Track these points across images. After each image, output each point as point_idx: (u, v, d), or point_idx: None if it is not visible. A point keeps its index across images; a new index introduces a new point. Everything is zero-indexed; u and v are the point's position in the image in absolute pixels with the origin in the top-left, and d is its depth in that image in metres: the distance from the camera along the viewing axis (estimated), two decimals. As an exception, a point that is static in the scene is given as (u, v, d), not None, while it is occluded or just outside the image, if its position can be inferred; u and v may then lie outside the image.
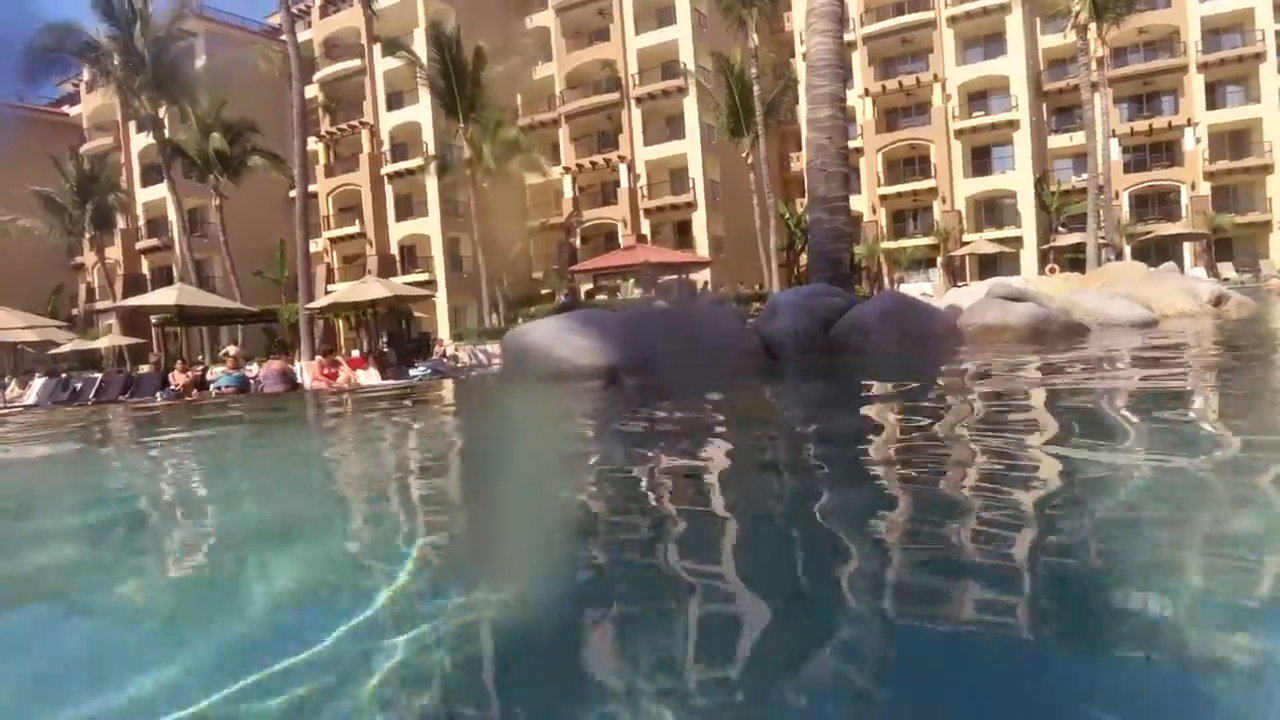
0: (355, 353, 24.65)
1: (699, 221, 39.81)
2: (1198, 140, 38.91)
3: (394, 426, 5.83)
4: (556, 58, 42.52)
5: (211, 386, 17.05)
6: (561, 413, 5.19)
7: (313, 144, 42.40)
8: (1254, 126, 38.66)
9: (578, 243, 41.00)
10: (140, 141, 42.21)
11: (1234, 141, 39.23)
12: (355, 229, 40.75)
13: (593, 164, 41.61)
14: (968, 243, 38.03)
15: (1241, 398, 3.96)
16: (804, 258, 40.71)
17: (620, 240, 39.08)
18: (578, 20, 42.75)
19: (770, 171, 34.57)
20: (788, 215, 38.06)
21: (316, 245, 41.57)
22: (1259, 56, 38.17)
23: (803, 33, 43.35)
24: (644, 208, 40.68)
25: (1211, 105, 39.19)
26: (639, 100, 40.91)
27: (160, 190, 37.55)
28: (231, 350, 23.66)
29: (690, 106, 39.35)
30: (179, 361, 21.24)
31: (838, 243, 9.95)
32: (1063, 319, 7.29)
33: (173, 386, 17.99)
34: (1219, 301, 9.63)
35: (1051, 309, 7.41)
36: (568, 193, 41.98)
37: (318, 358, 20.55)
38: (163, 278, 38.64)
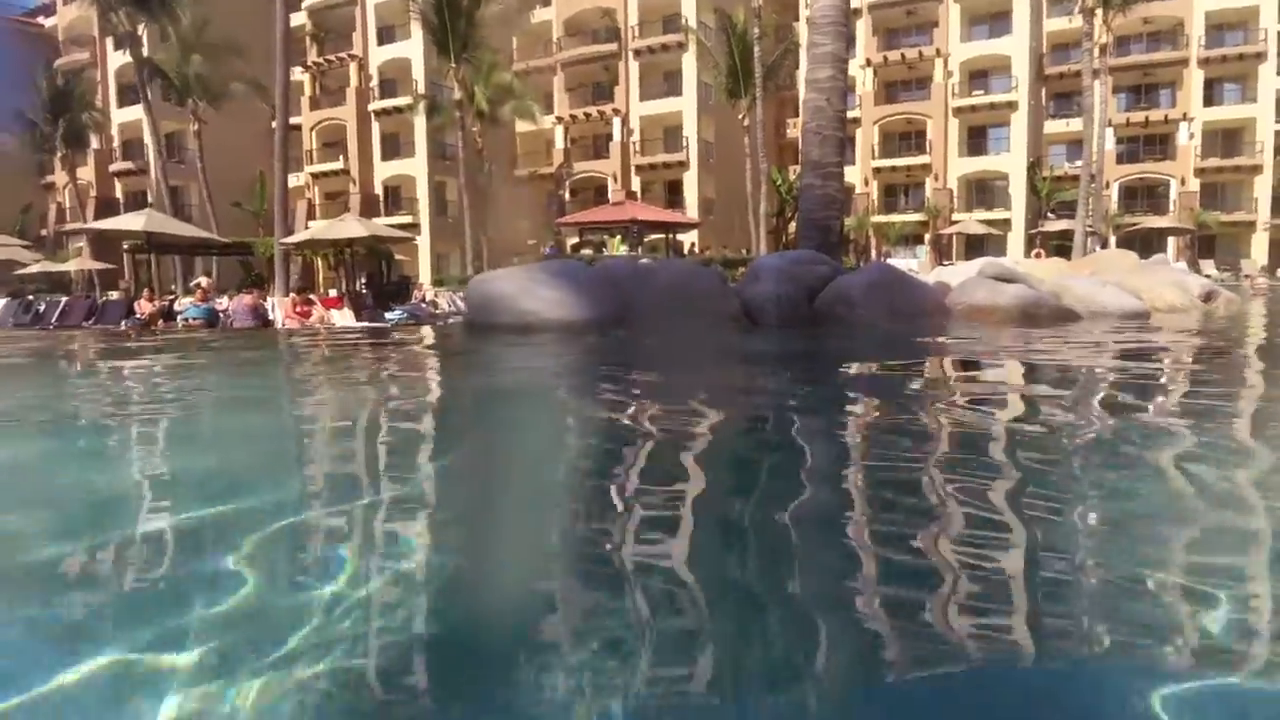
0: (333, 292, 24.16)
1: (690, 181, 39.20)
2: (1192, 136, 38.80)
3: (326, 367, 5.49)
4: (555, 3, 41.32)
5: (179, 318, 16.72)
6: (495, 364, 4.88)
7: (298, 74, 41.11)
8: (1248, 126, 38.55)
9: (566, 195, 40.28)
10: (118, 59, 40.59)
11: (1227, 140, 39.13)
12: (339, 165, 39.72)
13: (586, 115, 40.73)
14: (957, 221, 37.77)
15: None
16: (794, 225, 40.34)
17: (610, 195, 38.38)
18: (579, -34, 41.48)
19: (765, 136, 33.95)
20: (780, 182, 37.52)
21: (298, 180, 40.51)
22: (1260, 56, 37.92)
23: (808, -4, 42.20)
24: (635, 164, 39.97)
25: (1209, 101, 39.04)
26: (637, 53, 39.93)
27: (137, 111, 36.19)
28: (203, 282, 23.16)
29: (689, 63, 38.47)
30: (146, 290, 20.83)
31: (828, 210, 9.61)
32: (1053, 303, 7.03)
33: (138, 315, 17.65)
34: (1209, 297, 9.43)
35: (1042, 292, 7.14)
36: (559, 143, 41.12)
37: (291, 295, 20.19)
38: (136, 202, 37.49)
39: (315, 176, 40.72)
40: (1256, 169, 38.04)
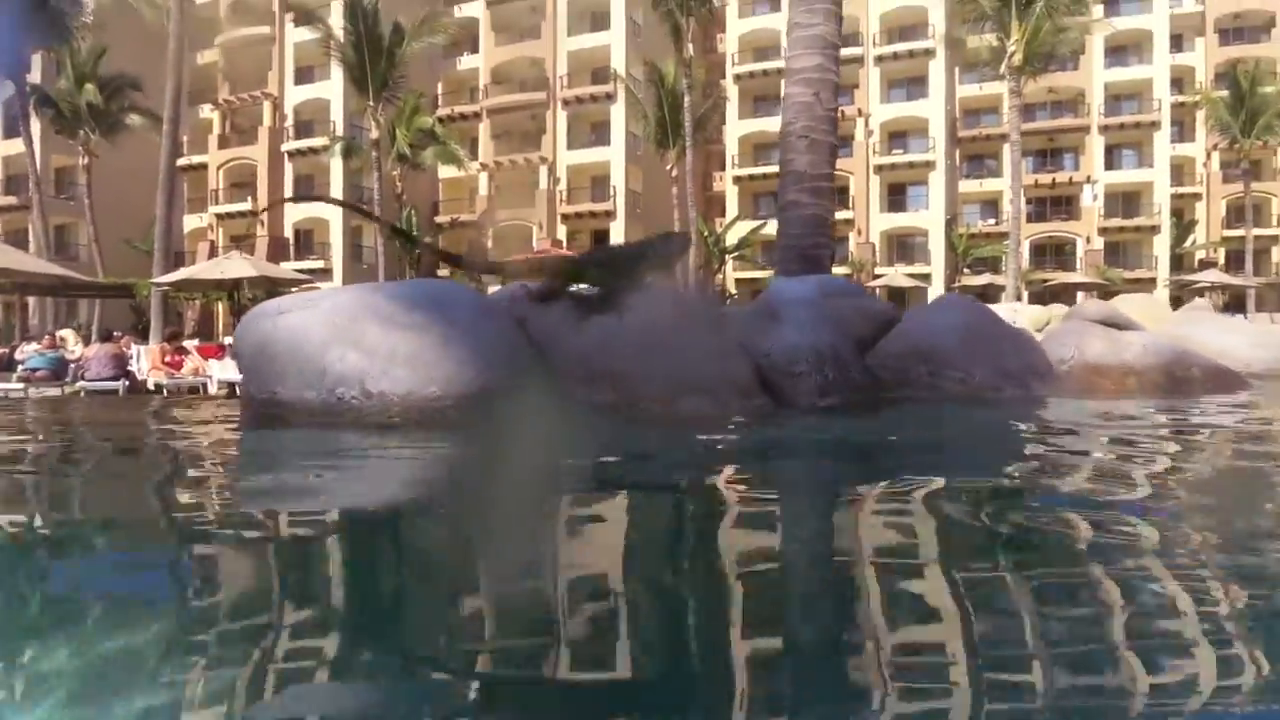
0: (229, 340, 20.44)
1: (617, 231, 36.60)
2: (1095, 197, 38.54)
3: None
4: (484, 51, 38.69)
5: (20, 367, 13.46)
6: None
7: (207, 112, 37.36)
8: (1145, 189, 38.57)
9: (489, 242, 37.18)
10: (8, 88, 35.98)
11: (1127, 201, 39.05)
12: (247, 205, 35.61)
13: (512, 162, 37.87)
14: (880, 275, 36.19)
15: None
16: (720, 277, 38.16)
17: (534, 243, 35.47)
18: (508, 16, 39.05)
19: (693, 188, 31.90)
20: (707, 234, 35.33)
21: (201, 220, 36.45)
22: (1155, 124, 38.11)
23: (734, 55, 40.77)
24: (562, 212, 37.25)
25: (1109, 166, 39.04)
26: (565, 103, 37.50)
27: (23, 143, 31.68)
28: (66, 333, 19.59)
29: (618, 114, 36.23)
30: (-15, 334, 17.20)
31: (818, 234, 6.88)
32: (1205, 361, 4.32)
33: (-32, 362, 14.36)
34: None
35: (1179, 346, 4.42)
36: (483, 190, 38.11)
37: (162, 343, 16.78)
38: (16, 241, 32.59)
39: (220, 218, 36.46)
40: (1155, 229, 37.94)
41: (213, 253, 34.56)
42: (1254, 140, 33.73)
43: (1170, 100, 38.32)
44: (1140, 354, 4.23)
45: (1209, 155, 40.98)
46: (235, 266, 17.35)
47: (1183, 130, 41.04)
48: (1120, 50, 39.28)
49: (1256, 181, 36.70)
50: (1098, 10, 33.73)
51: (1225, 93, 34.86)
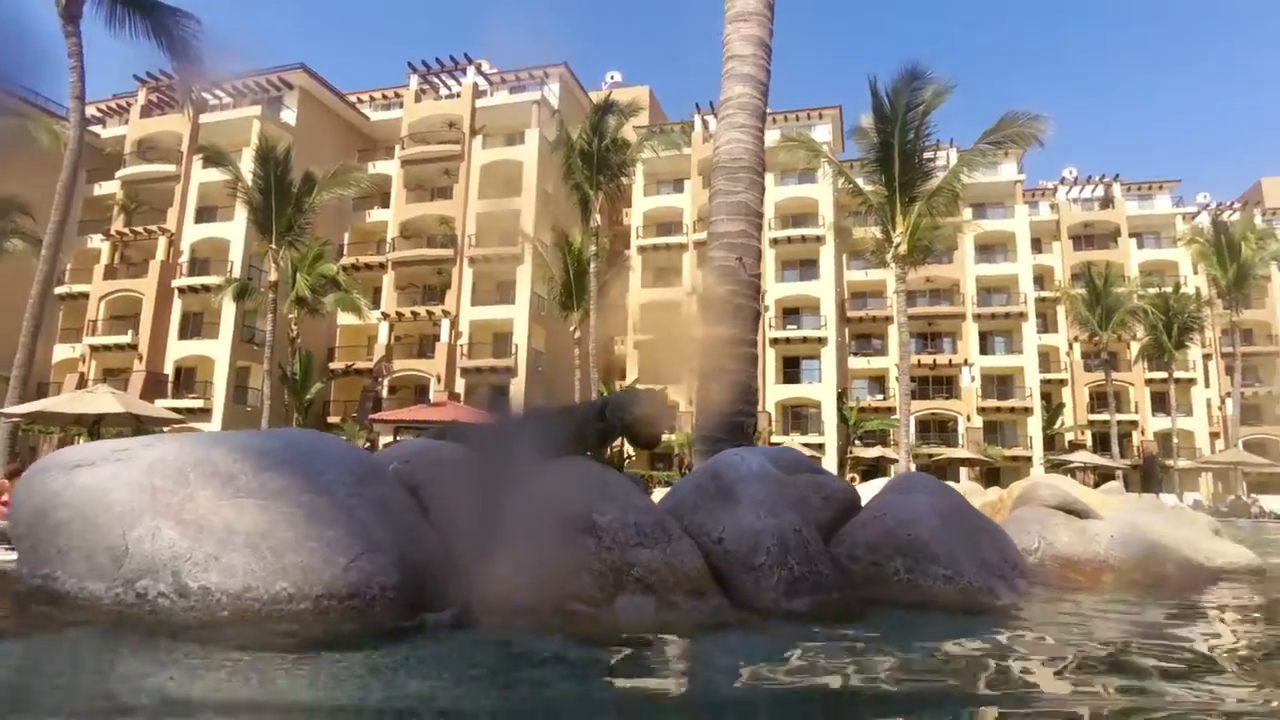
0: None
1: (517, 388, 36.03)
2: (973, 379, 40.90)
3: None
4: (394, 205, 39.04)
5: None
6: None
7: (97, 241, 35.67)
8: (1017, 374, 41.33)
9: (384, 392, 35.75)
10: None
11: (1001, 384, 41.63)
12: (126, 339, 33.23)
13: (414, 314, 37.35)
14: (777, 444, 36.64)
15: None
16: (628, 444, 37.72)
17: (431, 395, 34.36)
18: (421, 174, 39.94)
19: (597, 350, 32.04)
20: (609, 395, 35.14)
21: (73, 351, 33.84)
22: (1022, 315, 41.47)
23: (639, 228, 42.16)
24: (462, 366, 36.52)
25: (984, 351, 41.85)
26: (472, 260, 37.78)
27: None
28: None
29: (524, 274, 36.65)
30: None
31: (744, 402, 6.52)
32: (1178, 557, 3.97)
33: None
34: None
35: (1152, 538, 4.06)
36: (382, 338, 37.13)
37: (0, 479, 14.58)
38: None
39: (95, 349, 33.83)
40: (1028, 410, 40.29)
41: (81, 385, 31.75)
42: (1110, 333, 37.07)
43: (1034, 295, 42.13)
44: (1110, 546, 3.85)
45: (1071, 345, 44.85)
46: (97, 401, 15.69)
47: (1046, 322, 45.00)
48: (989, 249, 43.38)
49: (1116, 371, 40.08)
50: (968, 212, 37.36)
51: (1083, 290, 38.54)
